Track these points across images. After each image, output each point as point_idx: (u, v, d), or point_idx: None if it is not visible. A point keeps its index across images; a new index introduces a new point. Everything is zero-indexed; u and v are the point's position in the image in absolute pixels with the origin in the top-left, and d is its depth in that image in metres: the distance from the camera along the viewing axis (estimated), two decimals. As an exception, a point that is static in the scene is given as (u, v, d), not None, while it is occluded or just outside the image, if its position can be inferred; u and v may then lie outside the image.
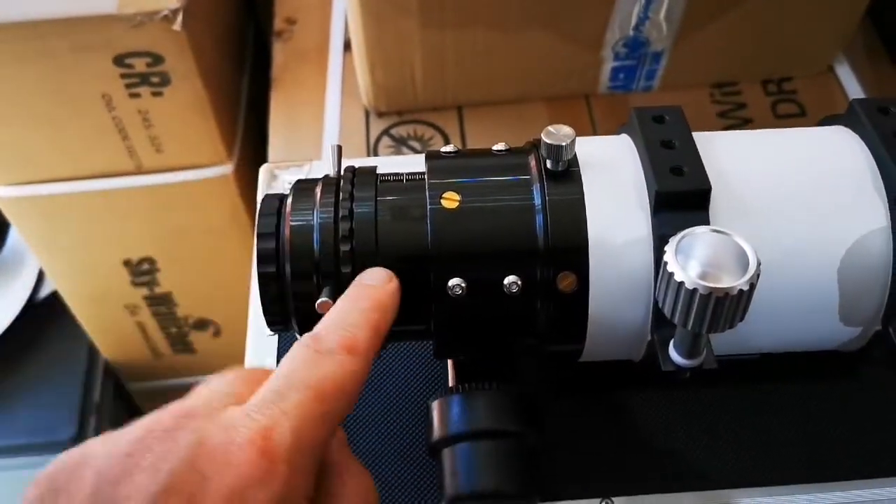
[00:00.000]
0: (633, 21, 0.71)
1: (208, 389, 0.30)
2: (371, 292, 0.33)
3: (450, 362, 0.38)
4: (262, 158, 0.89)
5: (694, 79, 0.79)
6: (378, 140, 0.77)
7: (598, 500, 0.39)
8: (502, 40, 0.72)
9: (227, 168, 0.85)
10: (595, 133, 0.77)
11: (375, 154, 0.76)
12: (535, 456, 0.36)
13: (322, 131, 0.78)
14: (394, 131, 0.78)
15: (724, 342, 0.34)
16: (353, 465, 0.31)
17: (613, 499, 0.38)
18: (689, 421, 0.40)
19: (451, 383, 0.38)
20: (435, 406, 0.37)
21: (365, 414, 0.42)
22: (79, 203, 0.85)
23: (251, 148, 0.90)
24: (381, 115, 0.79)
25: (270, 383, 0.29)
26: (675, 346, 0.33)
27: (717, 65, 0.78)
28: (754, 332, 0.34)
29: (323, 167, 0.38)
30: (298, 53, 0.85)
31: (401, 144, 0.77)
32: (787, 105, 0.78)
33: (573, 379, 0.41)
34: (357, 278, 0.34)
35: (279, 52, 0.85)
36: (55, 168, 0.83)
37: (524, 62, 0.75)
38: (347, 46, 0.84)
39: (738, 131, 0.37)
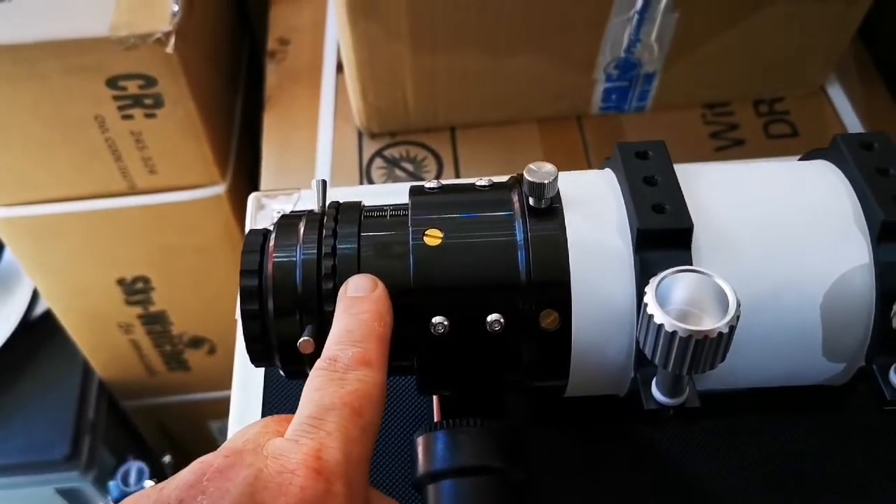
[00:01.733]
0: (625, 43, 0.71)
1: (246, 432, 0.30)
2: (367, 305, 0.33)
3: (435, 397, 0.38)
4: (256, 178, 0.89)
5: (686, 99, 0.79)
6: (371, 161, 0.77)
7: (584, 535, 0.38)
8: (493, 63, 0.72)
9: (221, 188, 0.85)
10: (587, 154, 0.77)
11: (368, 175, 0.76)
12: (520, 492, 0.36)
13: (315, 152, 0.79)
14: (386, 152, 0.78)
15: (708, 378, 0.33)
16: (380, 495, 0.32)
17: (600, 534, 0.38)
18: (676, 456, 0.40)
19: (436, 418, 0.37)
20: (420, 441, 0.36)
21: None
22: (72, 223, 0.86)
23: (245, 168, 0.90)
24: (373, 136, 0.79)
25: (303, 410, 0.29)
26: (657, 385, 0.33)
27: (708, 85, 0.78)
28: (738, 369, 0.34)
29: (312, 195, 0.39)
30: (291, 74, 0.85)
31: (393, 166, 0.77)
32: (779, 125, 0.78)
33: (558, 413, 0.41)
34: (342, 289, 0.34)
35: (272, 73, 0.85)
36: (49, 189, 0.83)
37: (516, 84, 0.75)
38: (341, 67, 0.84)
39: (721, 165, 0.37)
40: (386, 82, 0.73)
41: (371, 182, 0.76)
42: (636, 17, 0.69)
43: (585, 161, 0.77)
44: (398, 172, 0.77)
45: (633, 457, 0.41)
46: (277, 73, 0.85)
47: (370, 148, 0.78)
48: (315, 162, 0.78)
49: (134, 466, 1.02)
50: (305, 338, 0.34)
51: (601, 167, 0.39)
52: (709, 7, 0.69)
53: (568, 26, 0.69)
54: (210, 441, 1.18)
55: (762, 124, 0.78)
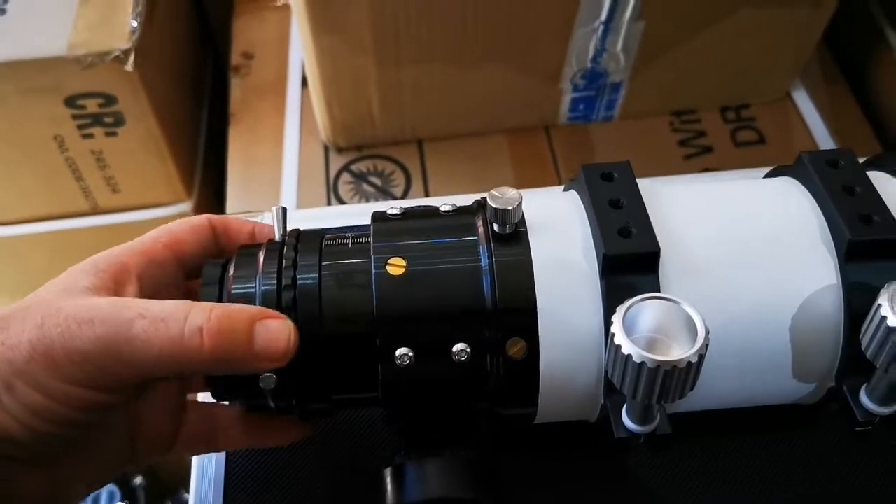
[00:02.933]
0: (591, 53, 0.71)
1: None
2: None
3: (402, 427, 0.37)
4: (222, 194, 0.88)
5: (653, 108, 0.79)
6: (338, 176, 0.76)
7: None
8: (459, 75, 0.71)
9: (187, 205, 0.84)
10: (556, 164, 0.77)
11: (336, 190, 0.75)
12: (492, 522, 0.35)
13: (281, 168, 0.78)
14: (354, 167, 0.77)
15: (677, 402, 0.33)
16: None
17: (574, 561, 0.38)
18: (648, 478, 0.39)
19: (403, 449, 0.37)
20: (388, 473, 0.36)
21: (318, 482, 0.41)
22: (33, 245, 0.84)
23: (212, 184, 0.89)
24: (340, 150, 0.78)
25: None
26: (627, 413, 0.32)
27: (675, 93, 0.78)
28: (707, 392, 0.33)
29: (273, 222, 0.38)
30: (256, 88, 0.84)
31: (361, 180, 0.76)
32: (747, 132, 0.78)
33: (528, 440, 0.40)
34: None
35: (237, 87, 0.84)
36: (8, 210, 0.81)
37: (483, 96, 0.74)
38: (305, 81, 0.83)
39: (687, 183, 0.37)
40: (351, 96, 0.72)
41: (339, 196, 0.75)
42: (601, 26, 0.68)
43: (554, 171, 0.77)
44: (366, 187, 0.76)
45: (605, 480, 0.40)
46: (242, 88, 0.84)
47: (337, 162, 0.77)
48: (281, 177, 0.77)
49: (104, 489, 1.00)
50: (268, 374, 0.33)
51: (565, 187, 0.38)
52: (674, 15, 0.69)
53: (533, 37, 0.69)
54: (181, 462, 1.16)
55: (730, 131, 0.78)
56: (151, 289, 0.35)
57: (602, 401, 0.34)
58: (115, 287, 0.33)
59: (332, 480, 0.42)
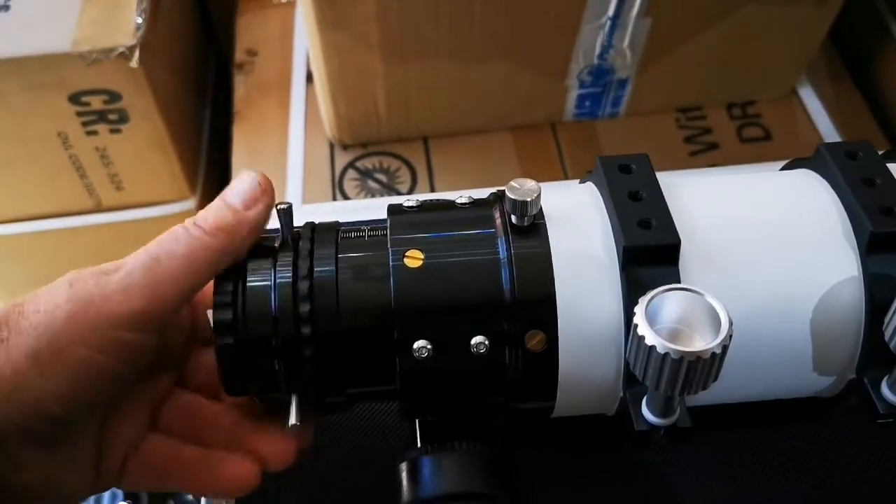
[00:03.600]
0: (597, 49, 0.71)
1: None
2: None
3: (417, 421, 0.37)
4: (226, 192, 0.87)
5: (659, 104, 0.79)
6: (343, 173, 0.76)
7: (574, 559, 0.38)
8: (465, 72, 0.71)
9: (191, 203, 0.83)
10: (562, 160, 0.77)
11: (341, 187, 0.75)
12: (508, 517, 0.35)
13: (286, 165, 0.77)
14: (359, 164, 0.77)
15: (697, 394, 0.33)
16: None
17: (590, 557, 0.38)
18: (666, 471, 0.39)
19: (418, 443, 0.36)
20: (403, 468, 0.35)
21: (333, 474, 0.41)
22: (37, 243, 0.83)
23: (215, 181, 0.88)
24: (345, 147, 0.78)
25: None
26: (647, 405, 0.32)
27: (681, 90, 0.78)
28: (727, 384, 0.33)
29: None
30: (260, 85, 0.83)
31: (366, 177, 0.76)
32: (753, 129, 0.78)
33: (546, 434, 0.40)
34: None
35: (240, 85, 0.84)
36: (11, 208, 0.81)
37: (489, 92, 0.74)
38: (310, 77, 0.83)
39: (705, 176, 0.37)
40: (357, 93, 0.72)
41: (344, 194, 0.74)
42: (608, 23, 0.68)
43: (560, 167, 0.76)
44: (371, 184, 0.75)
45: (621, 474, 0.40)
46: (246, 85, 0.83)
47: (342, 159, 0.77)
48: (286, 175, 0.77)
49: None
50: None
51: (581, 180, 0.38)
52: (681, 12, 0.69)
53: (540, 34, 0.69)
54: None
55: (735, 128, 0.78)
56: None
57: (621, 394, 0.34)
58: None
59: (344, 477, 0.41)
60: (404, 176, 0.76)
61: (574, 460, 0.40)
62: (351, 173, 0.76)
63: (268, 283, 0.34)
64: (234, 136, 0.80)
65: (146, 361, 0.34)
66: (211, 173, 0.87)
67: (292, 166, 0.77)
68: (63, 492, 0.34)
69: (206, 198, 0.85)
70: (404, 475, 0.35)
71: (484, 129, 0.78)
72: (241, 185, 0.35)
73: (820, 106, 0.79)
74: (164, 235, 0.34)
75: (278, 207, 0.36)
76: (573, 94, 0.76)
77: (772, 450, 0.40)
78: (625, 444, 0.40)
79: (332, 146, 0.78)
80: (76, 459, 0.34)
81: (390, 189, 0.75)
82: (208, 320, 0.39)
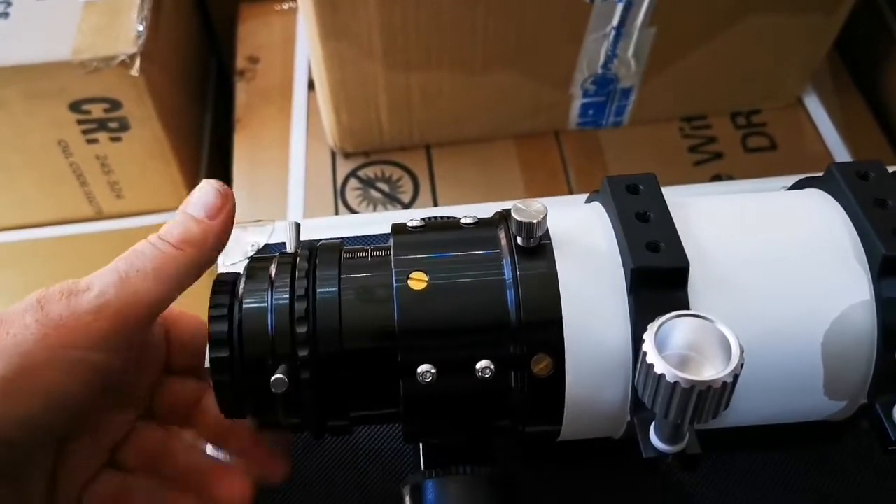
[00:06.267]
0: (602, 59, 0.70)
1: None
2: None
3: (420, 444, 0.37)
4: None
5: (664, 113, 0.78)
6: (345, 182, 0.76)
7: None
8: (468, 81, 0.70)
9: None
10: (566, 169, 0.76)
11: (343, 196, 0.75)
12: (513, 541, 0.34)
13: (287, 173, 0.77)
14: (361, 173, 0.76)
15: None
16: None
17: (596, 581, 0.37)
18: (674, 497, 0.39)
19: (422, 467, 0.36)
20: (406, 492, 0.35)
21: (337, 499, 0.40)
22: (37, 250, 0.83)
23: (215, 189, 0.88)
24: (347, 155, 0.77)
25: None
26: (655, 432, 0.31)
27: (686, 99, 0.78)
28: (736, 409, 0.33)
29: (285, 234, 0.37)
30: (262, 93, 0.83)
31: (368, 186, 0.75)
32: (758, 138, 0.77)
33: (551, 456, 0.40)
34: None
35: (242, 92, 0.83)
36: (11, 215, 0.80)
37: (492, 101, 0.74)
38: (312, 85, 0.82)
39: (714, 197, 0.36)
40: (359, 101, 0.71)
41: (346, 202, 0.74)
42: (613, 32, 0.68)
43: (564, 177, 0.76)
44: (373, 193, 0.75)
45: (627, 495, 0.39)
46: (247, 93, 0.83)
47: (344, 168, 0.77)
48: (287, 183, 0.76)
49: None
50: (278, 376, 0.32)
51: (587, 199, 0.38)
52: (686, 21, 0.69)
53: (544, 43, 0.68)
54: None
55: (740, 137, 0.78)
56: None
57: (628, 418, 0.33)
58: None
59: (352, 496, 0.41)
60: (406, 185, 0.75)
61: (579, 482, 0.40)
62: (353, 182, 0.76)
63: (264, 304, 0.33)
64: (234, 144, 0.80)
65: (112, 386, 0.33)
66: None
67: (294, 175, 0.77)
68: None
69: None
70: (407, 499, 0.35)
71: (487, 138, 0.78)
72: (202, 196, 0.35)
73: (825, 115, 0.78)
74: (130, 252, 0.33)
75: (289, 222, 0.36)
76: (577, 103, 0.75)
77: (780, 471, 0.40)
78: (630, 465, 0.39)
79: (333, 155, 0.78)
80: (27, 491, 0.33)
81: (392, 198, 0.74)
82: (183, 350, 0.38)
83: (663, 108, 0.78)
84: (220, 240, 0.35)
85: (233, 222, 0.35)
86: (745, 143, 0.77)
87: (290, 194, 0.75)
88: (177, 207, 0.85)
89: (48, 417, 0.31)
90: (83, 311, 0.31)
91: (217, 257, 0.35)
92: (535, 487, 0.39)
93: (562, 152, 0.78)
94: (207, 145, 0.88)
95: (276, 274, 0.34)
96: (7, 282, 0.86)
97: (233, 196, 0.36)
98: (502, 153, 0.78)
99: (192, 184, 0.82)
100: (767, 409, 0.34)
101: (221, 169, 0.88)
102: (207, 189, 0.35)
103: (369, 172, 0.76)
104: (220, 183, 0.36)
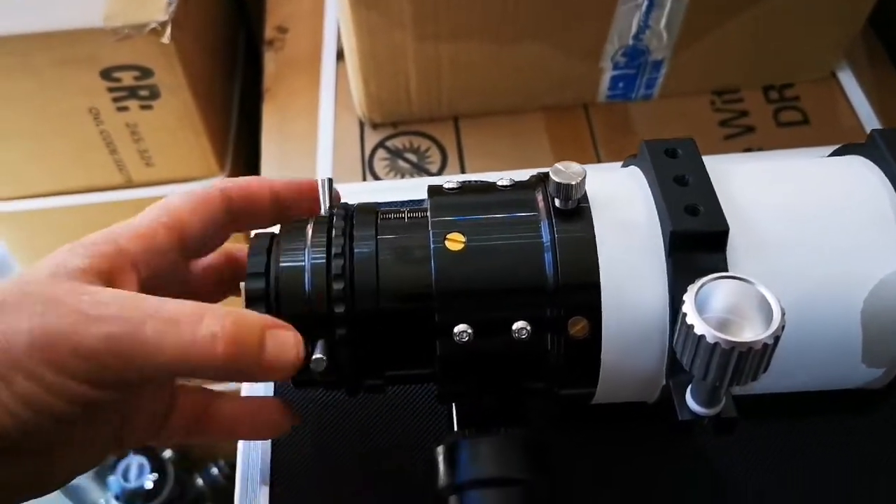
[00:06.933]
0: (633, 30, 0.70)
1: None
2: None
3: (453, 405, 0.37)
4: (255, 169, 0.87)
5: (694, 86, 0.78)
6: (373, 152, 0.76)
7: (610, 547, 0.37)
8: (498, 52, 0.70)
9: (219, 180, 0.83)
10: (594, 143, 0.76)
11: (371, 166, 0.75)
12: (546, 503, 0.34)
13: (316, 143, 0.77)
14: (389, 143, 0.76)
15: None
16: None
17: (626, 544, 0.37)
18: (705, 463, 0.39)
19: (455, 427, 0.36)
20: (440, 452, 0.35)
21: (368, 459, 0.40)
22: (67, 218, 0.84)
23: (243, 159, 0.88)
24: (375, 126, 0.77)
25: None
26: (692, 394, 0.31)
27: (717, 72, 0.77)
28: (773, 376, 0.32)
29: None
30: (290, 63, 0.83)
31: (396, 157, 0.75)
32: (790, 112, 0.77)
33: (584, 420, 0.40)
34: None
35: (270, 62, 0.83)
36: (42, 183, 0.81)
37: (521, 73, 0.73)
38: (340, 55, 0.82)
39: (753, 163, 0.36)
40: (388, 72, 0.71)
41: (374, 173, 0.74)
42: (645, 3, 0.67)
43: (593, 150, 0.75)
44: (401, 163, 0.75)
45: (660, 460, 0.39)
46: (276, 62, 0.83)
47: (372, 138, 0.77)
48: (316, 153, 0.76)
49: (135, 461, 1.01)
50: (318, 356, 0.32)
51: (623, 163, 0.37)
52: (719, -8, 0.68)
53: (575, 14, 0.67)
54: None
55: (772, 111, 0.77)
56: (150, 277, 0.33)
57: (664, 382, 0.33)
58: (109, 272, 0.32)
59: (376, 462, 0.41)
60: (434, 156, 0.75)
61: (610, 445, 0.40)
62: (381, 153, 0.76)
63: (301, 262, 0.33)
64: (263, 114, 0.80)
65: (107, 407, 0.31)
66: (239, 151, 0.87)
67: (322, 145, 0.77)
68: (59, 478, 0.33)
69: (236, 174, 0.84)
70: (441, 459, 0.35)
71: (516, 110, 0.77)
72: (286, 347, 0.31)
73: (859, 90, 0.77)
74: (176, 308, 0.30)
75: (321, 179, 0.36)
76: (607, 75, 0.75)
77: (813, 440, 0.40)
78: (664, 430, 0.39)
79: (362, 125, 0.78)
80: (75, 450, 0.32)
81: (420, 169, 0.74)
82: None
83: (694, 81, 0.77)
84: (251, 378, 0.32)
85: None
86: (778, 118, 0.76)
87: (318, 164, 0.75)
88: (205, 176, 0.86)
89: (37, 420, 0.29)
90: (79, 344, 0.28)
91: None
92: (567, 450, 0.39)
93: (591, 125, 0.77)
94: (236, 115, 0.88)
95: (312, 233, 0.34)
96: (38, 248, 0.87)
97: (300, 365, 0.32)
98: (531, 125, 0.77)
99: (220, 153, 0.82)
100: (803, 376, 0.34)
101: (250, 139, 0.89)
102: (293, 345, 0.31)
103: (397, 143, 0.76)
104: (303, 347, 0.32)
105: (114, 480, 1.00)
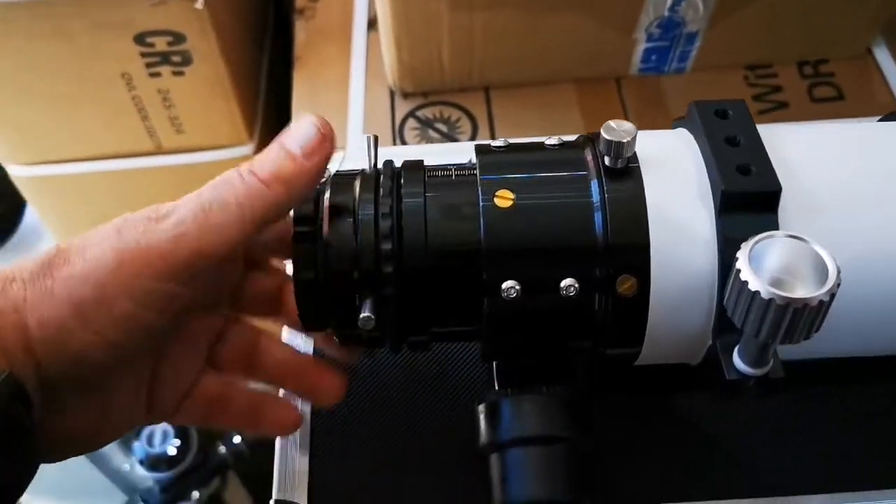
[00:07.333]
0: (669, 1, 0.69)
1: None
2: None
3: (494, 364, 0.37)
4: (283, 138, 0.87)
5: (728, 60, 0.77)
6: (403, 122, 0.76)
7: (650, 507, 0.37)
8: (532, 22, 0.70)
9: (249, 149, 0.84)
10: (626, 115, 0.75)
11: (401, 136, 0.75)
12: (588, 462, 0.35)
13: (346, 112, 0.77)
14: (420, 113, 0.76)
15: (790, 347, 0.32)
16: None
17: (666, 505, 0.37)
18: (747, 425, 0.39)
19: (496, 386, 0.36)
20: (481, 410, 0.35)
21: (406, 417, 0.41)
22: (97, 183, 0.84)
23: (272, 128, 0.88)
24: (406, 95, 0.77)
25: None
26: (739, 354, 0.31)
27: (752, 46, 0.76)
28: (823, 338, 0.32)
29: (352, 157, 0.37)
30: (321, 31, 0.83)
31: (427, 127, 0.75)
32: (824, 88, 0.76)
33: (626, 380, 0.40)
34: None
35: (301, 31, 0.83)
36: (74, 148, 0.82)
37: (554, 43, 0.73)
38: (371, 24, 0.82)
39: (803, 125, 0.36)
40: (421, 40, 0.71)
41: (404, 142, 0.74)
42: (683, -27, 0.66)
43: (623, 123, 0.75)
44: (432, 133, 0.75)
45: (701, 422, 0.39)
46: (306, 31, 0.83)
47: (403, 108, 0.77)
48: (346, 122, 0.76)
49: (158, 427, 1.02)
50: (366, 314, 0.32)
51: (672, 125, 0.37)
52: (757, -36, 0.67)
53: (611, -17, 0.67)
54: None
55: (806, 87, 0.76)
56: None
57: (709, 342, 0.33)
58: None
59: (415, 421, 0.41)
60: (465, 126, 0.75)
61: (654, 409, 0.40)
62: (411, 122, 0.76)
63: (349, 219, 0.33)
64: (294, 83, 0.80)
65: (192, 313, 0.33)
66: (268, 120, 0.87)
67: (353, 114, 0.77)
68: (109, 433, 0.34)
69: (264, 143, 0.84)
70: (482, 417, 0.35)
71: (547, 82, 0.77)
72: (301, 132, 0.33)
73: (895, 67, 0.76)
74: (217, 181, 0.32)
75: (367, 136, 0.36)
76: (640, 47, 0.74)
77: (860, 408, 0.40)
78: (706, 392, 0.39)
79: (392, 94, 0.77)
80: (120, 404, 0.34)
81: (450, 139, 0.74)
82: (264, 244, 0.38)
83: (728, 54, 0.76)
84: (312, 181, 0.33)
85: (327, 165, 0.33)
86: (812, 93, 0.76)
87: (348, 133, 0.75)
88: (235, 144, 0.86)
89: (130, 342, 0.31)
90: (160, 241, 0.30)
91: (305, 197, 0.34)
92: (609, 410, 0.40)
93: (622, 98, 0.77)
94: (264, 84, 0.88)
95: (360, 190, 0.34)
96: (69, 214, 0.87)
97: (333, 136, 0.33)
98: (562, 97, 0.77)
99: (250, 121, 0.82)
100: (854, 339, 0.33)
101: (279, 108, 0.89)
102: (307, 125, 0.33)
103: (428, 113, 0.76)
104: (322, 119, 0.34)
105: (138, 446, 1.01)
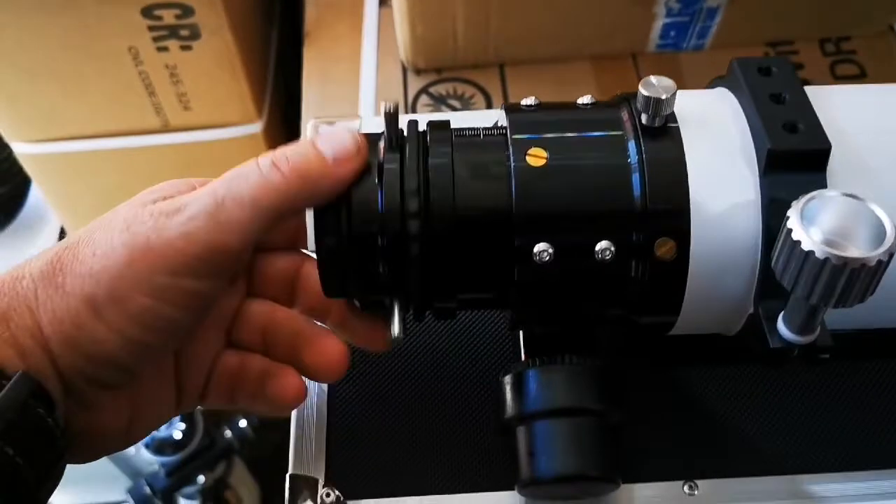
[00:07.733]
0: (691, -26, 0.67)
1: None
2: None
3: (521, 334, 0.36)
4: (292, 117, 0.86)
5: (748, 37, 0.75)
6: (416, 98, 0.74)
7: (681, 483, 0.36)
8: (550, -6, 0.68)
9: (257, 127, 0.82)
10: (643, 93, 0.74)
11: (414, 112, 0.73)
12: (617, 435, 0.33)
13: (358, 89, 0.75)
14: (433, 89, 0.74)
15: (835, 317, 0.30)
16: None
17: (697, 481, 0.36)
18: (781, 401, 0.37)
19: (522, 357, 0.35)
20: (507, 381, 0.34)
21: (423, 395, 0.39)
22: (104, 161, 0.83)
23: (280, 106, 0.87)
24: (419, 71, 0.75)
25: None
26: (784, 321, 0.30)
27: (773, 22, 0.74)
28: (868, 306, 0.31)
29: (371, 124, 0.35)
30: (332, 6, 0.81)
31: (440, 103, 0.73)
32: (846, 66, 0.74)
33: (657, 352, 0.38)
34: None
35: (311, 6, 0.82)
36: (79, 125, 0.80)
37: (571, 18, 0.71)
38: (382, 1, 0.80)
39: (845, 87, 0.34)
40: (436, 14, 0.69)
41: (417, 120, 0.72)
42: (705, -55, 0.65)
43: (641, 101, 0.73)
44: (445, 110, 0.73)
45: (731, 394, 0.38)
46: (317, 6, 0.81)
47: (415, 84, 0.75)
48: (358, 99, 0.75)
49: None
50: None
51: (708, 84, 0.36)
52: (781, -64, 0.65)
53: (632, -45, 0.65)
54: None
55: (828, 64, 0.74)
56: None
57: (749, 310, 0.32)
58: None
59: (438, 392, 0.40)
60: (479, 103, 0.73)
61: (685, 380, 0.38)
62: (424, 99, 0.74)
63: (374, 178, 0.32)
64: (304, 59, 0.78)
65: (209, 305, 0.32)
66: (276, 97, 0.86)
67: (364, 91, 0.75)
68: (142, 428, 0.34)
69: (272, 122, 0.83)
70: (508, 388, 0.34)
71: (563, 58, 0.75)
72: (337, 137, 0.32)
73: (918, 44, 0.75)
74: (233, 174, 0.31)
75: (386, 105, 0.34)
76: (659, 23, 0.73)
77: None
78: (740, 364, 0.38)
79: (405, 71, 0.76)
80: (154, 397, 0.34)
81: (464, 116, 0.73)
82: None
83: (748, 31, 0.75)
84: (333, 188, 0.31)
85: (352, 178, 0.32)
86: (834, 71, 0.74)
87: (360, 110, 0.74)
88: (243, 122, 0.84)
89: (147, 336, 0.30)
90: (171, 237, 0.30)
91: (322, 203, 0.32)
92: (638, 383, 0.38)
93: (639, 75, 0.75)
94: (273, 61, 0.87)
95: (385, 149, 0.32)
96: (76, 191, 0.86)
97: (366, 153, 0.32)
98: (578, 74, 0.75)
99: (259, 99, 0.81)
100: (899, 307, 0.32)
101: (286, 86, 0.87)
102: (345, 132, 0.32)
103: (441, 90, 0.75)
104: (363, 135, 0.33)
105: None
